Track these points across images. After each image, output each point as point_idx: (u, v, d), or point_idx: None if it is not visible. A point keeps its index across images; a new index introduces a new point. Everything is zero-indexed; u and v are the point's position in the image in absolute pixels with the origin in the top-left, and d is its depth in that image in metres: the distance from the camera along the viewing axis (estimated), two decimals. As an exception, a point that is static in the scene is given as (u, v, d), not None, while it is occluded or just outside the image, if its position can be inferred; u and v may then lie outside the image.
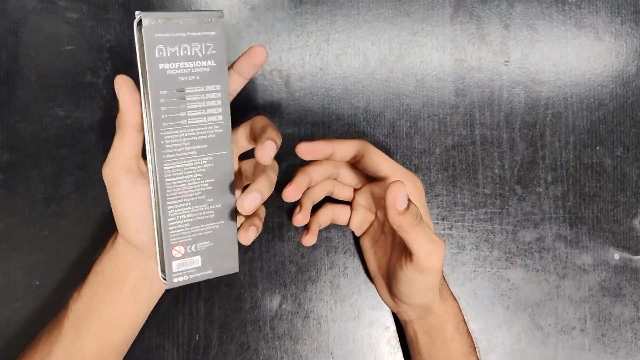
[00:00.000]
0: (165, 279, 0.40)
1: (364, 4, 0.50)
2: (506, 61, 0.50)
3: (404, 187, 0.37)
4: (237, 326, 0.50)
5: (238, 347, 0.50)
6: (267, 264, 0.50)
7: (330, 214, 0.47)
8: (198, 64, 0.38)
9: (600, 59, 0.50)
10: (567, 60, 0.50)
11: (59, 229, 0.50)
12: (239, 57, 0.40)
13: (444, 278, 0.45)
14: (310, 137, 0.50)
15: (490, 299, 0.50)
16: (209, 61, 0.39)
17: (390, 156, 0.50)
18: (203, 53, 0.38)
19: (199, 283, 0.50)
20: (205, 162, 0.40)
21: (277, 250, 0.50)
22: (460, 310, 0.45)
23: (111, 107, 0.50)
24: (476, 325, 0.50)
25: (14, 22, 0.50)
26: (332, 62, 0.50)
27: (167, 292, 0.48)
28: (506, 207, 0.50)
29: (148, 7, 0.50)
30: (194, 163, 0.40)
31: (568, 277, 0.50)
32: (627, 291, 0.50)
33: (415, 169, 0.50)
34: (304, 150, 0.41)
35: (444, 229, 0.50)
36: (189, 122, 0.39)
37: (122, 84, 0.38)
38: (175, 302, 0.50)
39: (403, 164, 0.50)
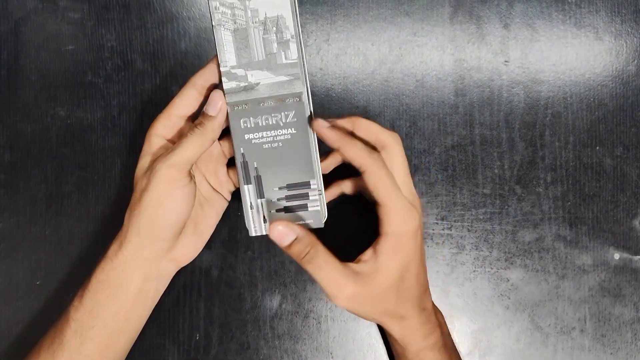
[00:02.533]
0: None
1: (364, 4, 0.50)
2: (506, 61, 0.50)
3: (285, 225, 0.40)
4: (237, 326, 0.50)
5: (238, 346, 0.50)
6: (267, 264, 0.50)
7: (337, 190, 0.47)
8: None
9: (600, 58, 0.50)
10: (567, 60, 0.50)
11: (60, 228, 0.50)
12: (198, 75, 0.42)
13: (420, 307, 0.42)
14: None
15: (490, 299, 0.50)
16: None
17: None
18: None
19: (199, 282, 0.50)
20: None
21: (277, 250, 0.50)
22: (428, 345, 0.43)
23: (111, 106, 0.50)
24: (476, 325, 0.50)
25: (15, 22, 0.50)
26: (332, 62, 0.50)
27: (168, 292, 0.48)
28: (506, 207, 0.50)
29: (148, 7, 0.50)
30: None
31: (568, 278, 0.50)
32: (627, 291, 0.50)
33: (415, 169, 0.50)
34: (317, 130, 0.41)
35: (443, 229, 0.50)
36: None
37: (222, 98, 0.41)
38: (176, 302, 0.50)
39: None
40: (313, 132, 0.42)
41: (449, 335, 0.46)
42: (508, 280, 0.50)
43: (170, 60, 0.50)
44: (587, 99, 0.50)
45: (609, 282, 0.50)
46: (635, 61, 0.50)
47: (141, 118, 0.50)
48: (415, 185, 0.50)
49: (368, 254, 0.41)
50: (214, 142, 0.41)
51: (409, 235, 0.40)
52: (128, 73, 0.50)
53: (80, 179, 0.50)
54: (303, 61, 0.41)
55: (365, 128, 0.42)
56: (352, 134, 0.42)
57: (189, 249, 0.45)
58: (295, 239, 0.40)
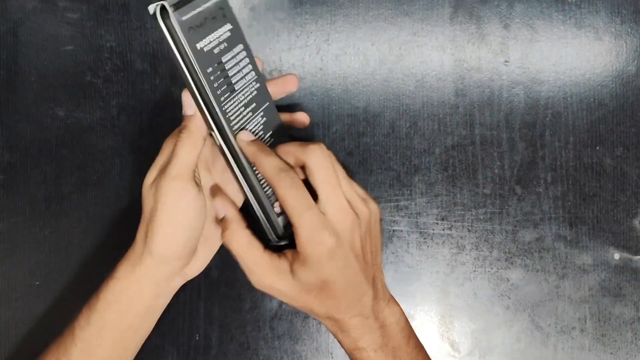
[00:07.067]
0: (278, 239, 0.42)
1: (363, 4, 0.50)
2: (506, 61, 0.50)
3: (221, 202, 0.43)
4: (237, 326, 0.50)
5: (238, 347, 0.50)
6: (266, 264, 0.50)
7: None
8: (221, 31, 0.39)
9: (600, 58, 0.50)
10: (567, 60, 0.50)
11: (59, 229, 0.50)
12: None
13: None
14: (310, 138, 0.50)
15: (490, 299, 0.50)
16: (227, 25, 0.40)
17: (389, 157, 0.50)
18: (221, 19, 0.39)
19: (198, 283, 0.50)
20: (260, 118, 0.42)
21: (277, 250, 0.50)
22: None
23: (111, 107, 0.50)
24: (476, 325, 0.50)
25: (14, 23, 0.50)
26: (331, 62, 0.50)
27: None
28: (506, 207, 0.50)
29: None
30: (254, 124, 0.42)
31: (568, 277, 0.50)
32: (627, 291, 0.50)
33: (415, 169, 0.50)
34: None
35: (443, 229, 0.50)
36: (236, 88, 0.40)
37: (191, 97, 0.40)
38: (176, 302, 0.50)
39: (402, 164, 0.50)
40: (242, 30, 0.41)
41: (400, 332, 0.42)
42: (508, 280, 0.50)
43: (170, 61, 0.50)
44: (587, 99, 0.50)
45: (609, 281, 0.50)
46: (635, 61, 0.50)
47: (140, 119, 0.50)
48: (415, 185, 0.50)
49: (289, 255, 0.40)
50: (204, 139, 0.40)
51: (319, 260, 0.38)
52: (127, 73, 0.50)
53: (79, 180, 0.50)
54: None
55: (284, 152, 0.40)
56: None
57: (199, 263, 0.44)
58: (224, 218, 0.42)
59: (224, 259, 0.50)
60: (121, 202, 0.50)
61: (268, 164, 0.39)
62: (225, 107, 0.40)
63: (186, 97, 0.40)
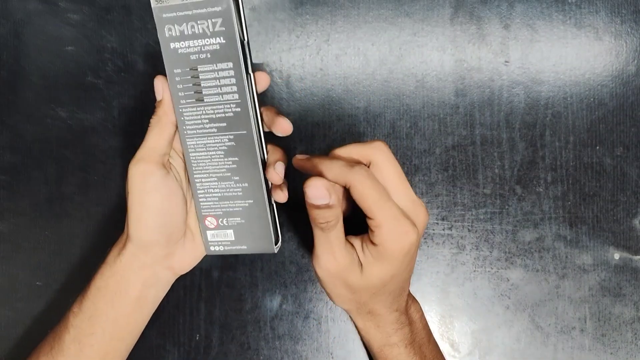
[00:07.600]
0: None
1: (364, 4, 0.50)
2: (506, 61, 0.50)
3: (327, 187, 0.36)
4: (237, 326, 0.50)
5: (238, 347, 0.50)
6: (267, 265, 0.50)
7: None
8: (207, 41, 0.39)
9: (600, 58, 0.50)
10: (567, 60, 0.50)
11: (61, 229, 0.50)
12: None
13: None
14: (310, 138, 0.50)
15: (490, 299, 0.50)
16: (218, 38, 0.39)
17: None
18: (211, 30, 0.39)
19: (199, 283, 0.50)
20: (227, 140, 0.41)
21: (278, 250, 0.50)
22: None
23: (112, 107, 0.50)
24: (476, 325, 0.50)
25: (16, 24, 0.50)
26: (332, 63, 0.50)
27: (168, 292, 0.48)
28: (506, 207, 0.50)
29: (149, 8, 0.50)
30: (215, 140, 0.41)
31: (568, 277, 0.50)
32: (627, 291, 0.50)
33: (415, 169, 0.50)
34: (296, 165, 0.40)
35: (443, 229, 0.50)
36: (205, 100, 0.40)
37: (163, 83, 0.41)
38: (177, 303, 0.50)
39: (403, 165, 0.50)
40: (240, 50, 0.39)
41: (423, 329, 0.45)
42: (508, 280, 0.50)
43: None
44: (587, 99, 0.50)
45: (609, 281, 0.50)
46: (635, 61, 0.50)
47: (142, 119, 0.50)
48: (415, 186, 0.50)
49: (357, 246, 0.39)
50: (174, 125, 0.41)
51: (400, 253, 0.37)
52: (129, 74, 0.50)
53: (81, 180, 0.50)
54: None
55: (344, 153, 0.39)
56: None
57: (187, 258, 0.44)
58: (327, 205, 0.37)
59: (225, 259, 0.50)
60: (123, 202, 0.50)
61: (336, 166, 0.37)
62: (183, 110, 0.41)
63: (157, 83, 0.41)
